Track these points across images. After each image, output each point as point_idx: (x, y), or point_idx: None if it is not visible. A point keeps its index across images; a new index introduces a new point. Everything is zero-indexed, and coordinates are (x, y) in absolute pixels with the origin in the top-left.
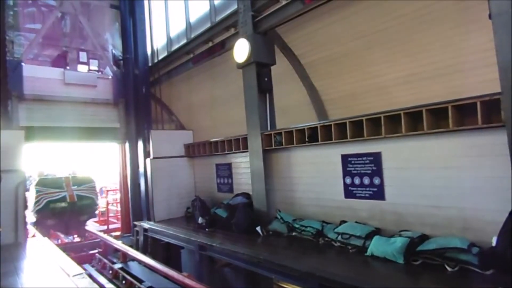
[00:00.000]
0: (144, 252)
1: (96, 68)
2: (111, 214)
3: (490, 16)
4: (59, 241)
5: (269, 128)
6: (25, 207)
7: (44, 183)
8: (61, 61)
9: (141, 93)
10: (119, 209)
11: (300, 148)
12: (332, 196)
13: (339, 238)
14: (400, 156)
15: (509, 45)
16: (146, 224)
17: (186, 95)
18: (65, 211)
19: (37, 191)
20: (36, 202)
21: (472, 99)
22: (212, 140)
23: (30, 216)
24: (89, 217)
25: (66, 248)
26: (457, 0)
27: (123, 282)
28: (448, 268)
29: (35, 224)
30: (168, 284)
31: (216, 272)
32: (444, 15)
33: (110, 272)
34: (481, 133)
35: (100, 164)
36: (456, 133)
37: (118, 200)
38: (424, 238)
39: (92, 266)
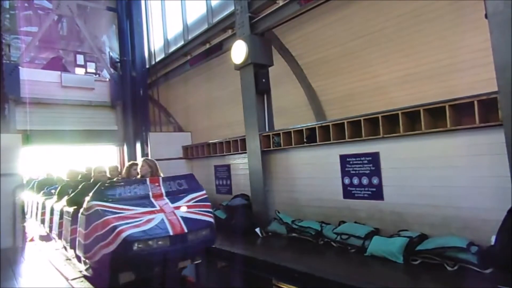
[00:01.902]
0: None
1: (94, 71)
2: None
3: (486, 16)
4: None
5: (267, 129)
6: (24, 212)
7: (113, 196)
8: (55, 65)
9: (138, 95)
10: None
11: (299, 149)
12: (331, 196)
13: (339, 238)
14: (398, 156)
15: (506, 44)
16: None
17: (184, 97)
18: (163, 254)
19: (101, 212)
20: (97, 237)
21: (469, 99)
22: (210, 141)
23: (76, 259)
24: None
25: None
26: (453, 0)
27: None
28: (448, 267)
29: (90, 278)
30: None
31: (215, 273)
32: (440, 15)
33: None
34: (478, 132)
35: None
36: (454, 132)
37: None
38: (423, 237)
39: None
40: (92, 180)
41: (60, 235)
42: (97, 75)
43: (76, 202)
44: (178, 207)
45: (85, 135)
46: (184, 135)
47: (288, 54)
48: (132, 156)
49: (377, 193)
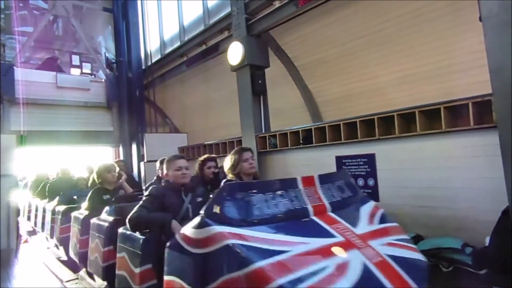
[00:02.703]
0: None
1: (89, 71)
2: None
3: (480, 19)
4: None
5: (263, 131)
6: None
7: (250, 214)
8: (49, 65)
9: (134, 96)
10: None
11: (295, 150)
12: None
13: None
14: (394, 158)
15: (500, 47)
16: None
17: (180, 98)
18: None
19: (239, 252)
20: None
21: (464, 100)
22: (206, 143)
23: None
24: None
25: None
26: (452, 0)
27: None
28: (443, 268)
29: None
30: None
31: None
32: (438, 16)
33: None
34: (473, 134)
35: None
36: (449, 134)
37: None
38: (418, 238)
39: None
40: (163, 181)
41: (108, 274)
42: (93, 76)
43: (142, 221)
44: (369, 236)
45: (81, 135)
46: (180, 136)
47: (284, 55)
48: (128, 157)
49: (372, 194)
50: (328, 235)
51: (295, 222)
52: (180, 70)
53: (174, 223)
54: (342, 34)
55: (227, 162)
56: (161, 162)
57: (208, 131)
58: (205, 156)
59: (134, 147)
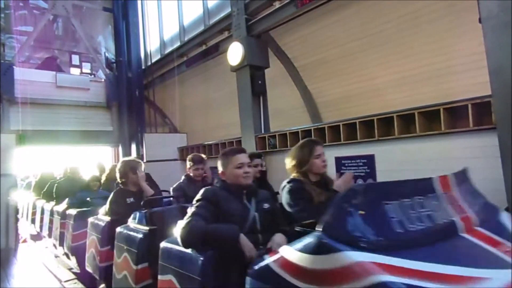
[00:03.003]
0: None
1: (89, 71)
2: None
3: (480, 20)
4: None
5: (263, 131)
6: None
7: (389, 231)
8: (49, 65)
9: (134, 96)
10: None
11: None
12: None
13: None
14: (393, 159)
15: (499, 48)
16: None
17: (180, 98)
18: None
19: None
20: None
21: (463, 102)
22: (206, 143)
23: None
24: None
25: None
26: (451, 0)
27: None
28: None
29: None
30: None
31: None
32: (438, 17)
33: None
34: (472, 135)
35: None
36: (448, 135)
37: None
38: None
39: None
40: (217, 182)
41: None
42: (93, 76)
43: (202, 235)
44: None
45: (80, 135)
46: (180, 136)
47: (284, 56)
48: (127, 157)
49: None
50: (505, 264)
51: (446, 242)
52: (180, 70)
53: (243, 238)
54: (342, 35)
55: (291, 158)
56: (195, 161)
57: (208, 131)
58: (250, 152)
59: (133, 147)
